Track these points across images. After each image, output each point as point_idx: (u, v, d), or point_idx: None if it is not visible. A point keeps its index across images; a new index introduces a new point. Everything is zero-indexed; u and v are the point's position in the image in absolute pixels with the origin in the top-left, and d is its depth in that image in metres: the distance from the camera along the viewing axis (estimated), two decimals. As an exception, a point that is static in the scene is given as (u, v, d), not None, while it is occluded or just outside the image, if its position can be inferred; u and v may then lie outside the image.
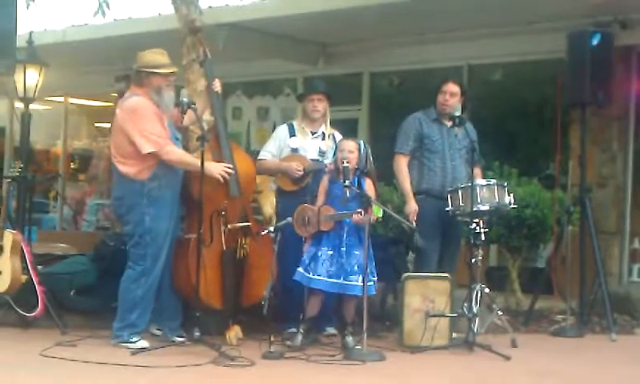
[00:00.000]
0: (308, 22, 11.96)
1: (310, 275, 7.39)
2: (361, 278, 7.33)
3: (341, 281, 7.38)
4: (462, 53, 12.25)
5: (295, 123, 8.45)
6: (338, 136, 8.34)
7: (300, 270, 7.43)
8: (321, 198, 7.58)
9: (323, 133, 8.32)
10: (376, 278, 7.55)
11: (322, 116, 8.37)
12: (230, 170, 7.58)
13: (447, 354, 7.54)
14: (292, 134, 8.36)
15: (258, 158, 8.48)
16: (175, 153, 7.51)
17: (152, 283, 7.47)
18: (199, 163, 7.28)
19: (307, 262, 7.43)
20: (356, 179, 7.46)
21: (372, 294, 7.56)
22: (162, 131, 7.45)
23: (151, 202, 7.41)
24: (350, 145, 7.59)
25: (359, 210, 7.26)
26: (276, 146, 8.40)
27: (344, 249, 7.42)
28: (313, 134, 8.31)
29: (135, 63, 7.63)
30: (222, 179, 7.53)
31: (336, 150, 7.67)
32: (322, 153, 8.25)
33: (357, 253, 7.42)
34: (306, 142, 8.26)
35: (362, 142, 7.82)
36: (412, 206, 8.23)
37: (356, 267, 7.38)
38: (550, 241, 10.04)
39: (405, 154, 8.41)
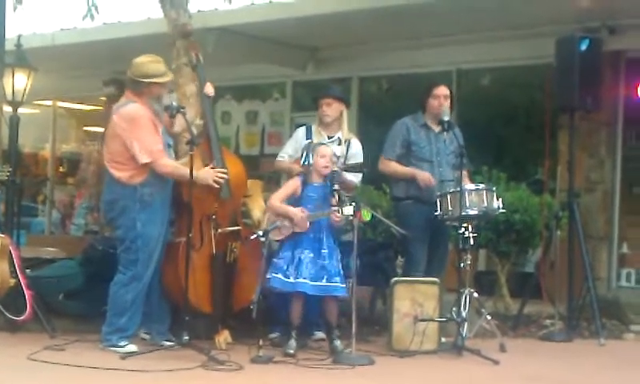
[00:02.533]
0: (297, 27, 11.97)
1: (292, 280, 7.35)
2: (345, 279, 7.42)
3: (323, 283, 7.36)
4: (451, 57, 12.28)
5: (314, 126, 8.45)
6: (355, 142, 8.36)
7: (278, 276, 7.36)
8: (284, 196, 7.59)
9: (339, 138, 8.31)
10: (347, 284, 7.52)
11: (335, 120, 8.34)
12: (223, 175, 7.59)
13: (436, 358, 7.54)
14: (308, 136, 8.35)
15: (277, 159, 8.58)
16: (169, 165, 7.51)
17: (142, 288, 7.45)
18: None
19: (285, 267, 7.38)
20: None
21: (346, 297, 7.52)
22: (158, 141, 7.44)
23: (143, 207, 7.40)
24: (329, 150, 7.66)
25: (335, 209, 7.28)
26: (293, 148, 8.44)
27: (325, 251, 7.42)
28: (329, 138, 8.26)
29: (133, 71, 7.56)
30: (216, 185, 7.54)
31: (309, 152, 7.66)
32: (335, 157, 8.15)
33: (337, 255, 7.47)
34: None
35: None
36: (422, 173, 8.18)
37: (339, 269, 7.42)
38: (539, 246, 10.07)
39: (390, 158, 8.41)
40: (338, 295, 7.44)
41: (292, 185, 7.65)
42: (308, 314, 7.67)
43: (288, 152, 8.47)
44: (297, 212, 7.43)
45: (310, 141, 8.01)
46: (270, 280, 7.35)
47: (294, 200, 7.56)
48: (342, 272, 7.44)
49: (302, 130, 8.55)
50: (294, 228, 7.41)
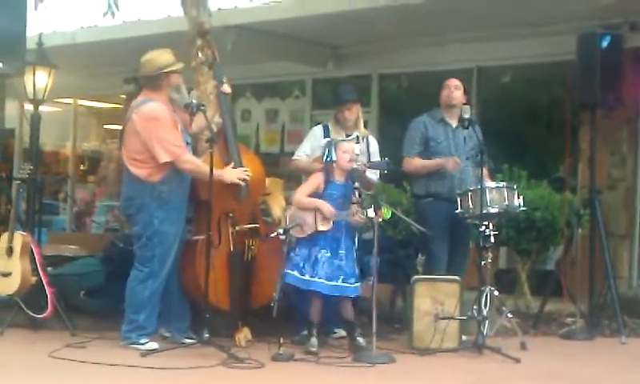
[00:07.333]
0: (317, 24, 11.96)
1: (306, 277, 7.35)
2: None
3: (339, 283, 7.37)
4: (471, 55, 12.23)
5: (330, 125, 8.42)
6: (373, 140, 8.35)
7: (294, 273, 7.36)
8: (308, 191, 7.56)
9: (357, 136, 8.30)
10: (366, 282, 7.57)
11: (355, 120, 8.36)
12: (248, 174, 7.58)
13: (457, 356, 7.53)
14: (326, 135, 8.31)
15: (293, 157, 8.54)
16: (191, 162, 7.51)
17: (159, 285, 7.47)
18: (214, 173, 7.29)
19: (301, 264, 7.38)
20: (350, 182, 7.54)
21: (355, 297, 7.56)
22: (178, 138, 7.45)
23: (161, 205, 7.41)
24: (351, 146, 7.65)
25: (360, 211, 7.28)
26: (310, 147, 8.40)
27: (342, 252, 7.42)
28: (347, 136, 8.24)
29: (146, 68, 7.57)
30: (242, 183, 7.54)
31: (331, 149, 7.59)
32: (355, 155, 8.11)
33: (354, 255, 7.49)
34: None
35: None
36: (447, 160, 8.14)
37: (355, 270, 7.44)
38: (560, 243, 10.02)
39: (413, 156, 8.39)
40: (352, 296, 7.46)
41: (315, 180, 7.61)
42: (328, 312, 7.66)
43: (305, 151, 8.43)
44: (326, 204, 7.42)
45: (331, 138, 7.97)
46: (286, 276, 7.34)
47: (317, 197, 7.54)
48: (357, 272, 7.45)
49: (318, 129, 8.52)
50: (318, 226, 7.39)
